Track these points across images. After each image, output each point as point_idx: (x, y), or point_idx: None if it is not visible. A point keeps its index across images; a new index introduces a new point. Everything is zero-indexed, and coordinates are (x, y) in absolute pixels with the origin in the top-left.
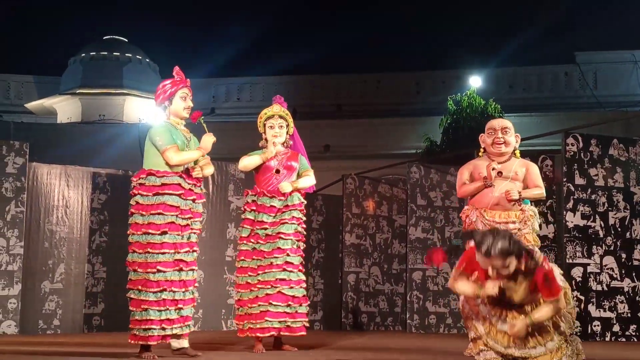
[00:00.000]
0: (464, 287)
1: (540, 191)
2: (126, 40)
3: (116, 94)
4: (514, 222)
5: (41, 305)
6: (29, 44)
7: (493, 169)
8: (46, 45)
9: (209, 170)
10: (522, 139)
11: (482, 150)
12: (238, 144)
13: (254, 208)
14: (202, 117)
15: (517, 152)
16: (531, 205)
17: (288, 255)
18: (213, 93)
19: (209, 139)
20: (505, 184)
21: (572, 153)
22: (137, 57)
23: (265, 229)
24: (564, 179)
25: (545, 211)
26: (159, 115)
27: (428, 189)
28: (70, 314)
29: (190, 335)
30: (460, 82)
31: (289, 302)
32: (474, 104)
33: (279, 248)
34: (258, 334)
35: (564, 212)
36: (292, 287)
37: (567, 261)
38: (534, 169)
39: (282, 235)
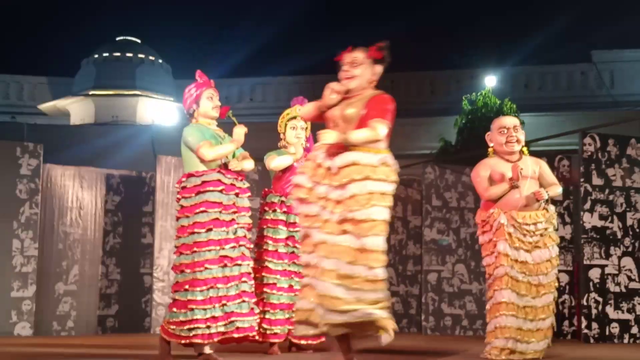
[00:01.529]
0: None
1: (560, 188)
2: (139, 42)
3: (129, 95)
4: (542, 222)
5: (55, 307)
6: (42, 46)
7: (521, 169)
8: (59, 47)
9: (249, 164)
10: (538, 139)
11: (492, 149)
12: (251, 145)
13: (285, 209)
14: (231, 111)
15: (525, 149)
16: (549, 203)
17: None
18: (226, 94)
19: (239, 130)
20: (527, 183)
21: (589, 153)
22: (150, 58)
23: (299, 230)
24: (582, 180)
25: (563, 212)
26: (171, 116)
27: (443, 189)
28: (84, 316)
29: None
30: (475, 82)
31: None
32: (489, 104)
33: None
34: (310, 341)
35: (582, 213)
36: None
37: (585, 262)
38: (546, 166)
39: None
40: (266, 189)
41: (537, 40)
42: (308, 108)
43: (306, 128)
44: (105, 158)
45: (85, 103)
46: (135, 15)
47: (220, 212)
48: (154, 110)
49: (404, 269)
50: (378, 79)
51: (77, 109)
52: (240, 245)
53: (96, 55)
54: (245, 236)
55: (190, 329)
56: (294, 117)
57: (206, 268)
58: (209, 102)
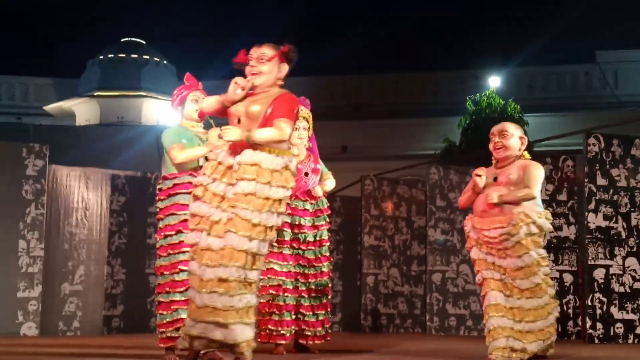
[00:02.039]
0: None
1: (525, 192)
2: (144, 43)
3: (134, 96)
4: (502, 227)
5: (61, 307)
6: (47, 47)
7: (477, 175)
8: (64, 48)
9: None
10: (542, 140)
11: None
12: None
13: (289, 211)
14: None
15: (525, 153)
16: (535, 206)
17: (330, 263)
18: None
19: (213, 133)
20: (493, 189)
21: (593, 153)
22: (155, 59)
23: (305, 233)
24: (586, 180)
25: (567, 212)
26: (175, 117)
27: (447, 189)
28: (90, 316)
29: None
30: (479, 82)
31: (328, 309)
32: (493, 104)
33: (324, 256)
34: (316, 341)
35: (586, 213)
36: (326, 295)
37: (589, 263)
38: (532, 169)
39: (324, 243)
40: None
41: (541, 40)
42: (210, 102)
43: (308, 128)
44: (110, 159)
45: (91, 104)
46: (140, 17)
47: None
48: (159, 111)
49: (409, 269)
50: (284, 77)
51: (83, 110)
52: None
53: (101, 57)
54: None
55: (177, 329)
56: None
57: (181, 270)
58: (193, 105)
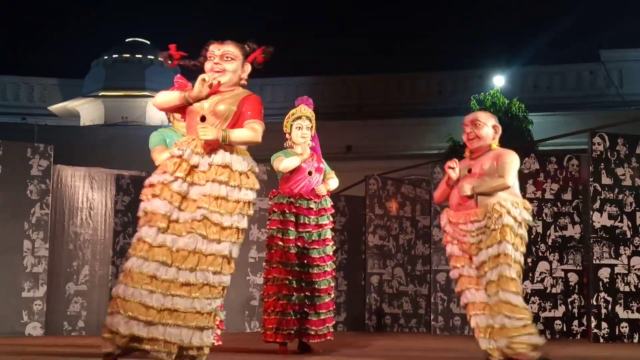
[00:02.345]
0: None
1: (499, 182)
2: (148, 43)
3: (138, 97)
4: (478, 221)
5: (66, 307)
6: (52, 48)
7: (450, 167)
8: (69, 48)
9: None
10: (547, 139)
11: None
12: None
13: (294, 210)
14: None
15: (494, 143)
16: (510, 196)
17: (334, 262)
18: None
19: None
20: (467, 181)
21: (598, 152)
22: (160, 59)
23: (309, 232)
24: (591, 179)
25: (572, 211)
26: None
27: None
28: (95, 316)
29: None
30: (483, 82)
31: (331, 308)
32: (497, 104)
33: (327, 255)
34: (319, 340)
35: (591, 213)
36: (329, 294)
37: (594, 262)
38: (505, 157)
39: (328, 242)
40: (274, 190)
41: (545, 40)
42: (170, 97)
43: (311, 127)
44: (115, 159)
45: (95, 104)
46: (145, 17)
47: None
48: (163, 112)
49: (413, 269)
50: (247, 78)
51: (87, 110)
52: None
53: (106, 57)
54: None
55: None
56: (300, 117)
57: None
58: None
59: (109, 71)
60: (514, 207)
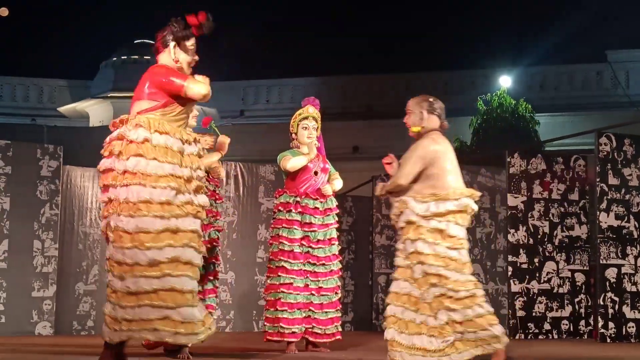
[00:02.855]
0: None
1: (392, 181)
2: None
3: None
4: (394, 218)
5: (75, 307)
6: (61, 49)
7: (387, 163)
8: (78, 50)
9: (222, 172)
10: (554, 139)
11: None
12: (267, 146)
13: (300, 210)
14: (213, 122)
15: (414, 128)
16: (424, 189)
17: (340, 262)
18: (242, 95)
19: (225, 140)
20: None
21: (605, 153)
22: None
23: (315, 231)
24: (597, 179)
25: (579, 212)
26: None
27: None
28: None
29: (223, 336)
30: (490, 82)
31: (338, 308)
32: (504, 104)
33: (333, 254)
34: (326, 339)
35: (598, 213)
36: (336, 293)
37: (601, 262)
38: (409, 150)
39: (333, 242)
40: (279, 189)
41: (552, 40)
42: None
43: (317, 128)
44: None
45: (104, 105)
46: (153, 18)
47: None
48: None
49: None
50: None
51: (96, 111)
52: (213, 246)
53: (114, 58)
54: (218, 238)
55: None
56: (306, 118)
57: None
58: None
59: (117, 72)
60: (416, 201)
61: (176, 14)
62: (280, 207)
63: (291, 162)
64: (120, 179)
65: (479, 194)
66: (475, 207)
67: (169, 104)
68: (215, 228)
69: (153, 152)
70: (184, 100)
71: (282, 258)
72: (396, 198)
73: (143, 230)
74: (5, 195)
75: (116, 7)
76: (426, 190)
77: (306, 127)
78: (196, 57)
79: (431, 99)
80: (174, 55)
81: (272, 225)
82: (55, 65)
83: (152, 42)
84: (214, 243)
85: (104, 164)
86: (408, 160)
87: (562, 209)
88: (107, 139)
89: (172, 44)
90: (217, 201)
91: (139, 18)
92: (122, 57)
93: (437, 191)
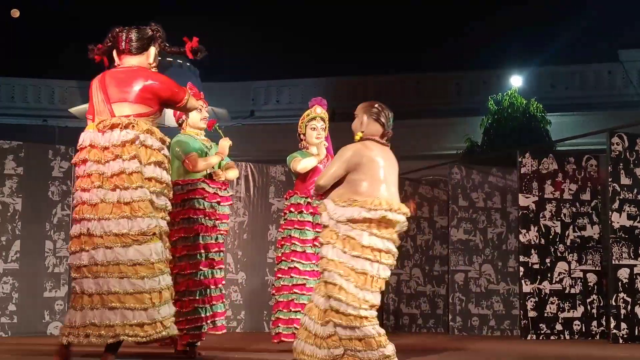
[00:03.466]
0: None
1: (315, 180)
2: None
3: None
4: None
5: None
6: (72, 49)
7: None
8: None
9: (233, 173)
10: (565, 139)
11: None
12: (278, 146)
13: (312, 210)
14: (218, 124)
15: (357, 135)
16: (346, 193)
17: None
18: (252, 95)
19: (225, 143)
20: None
21: (617, 153)
22: (178, 61)
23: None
24: (609, 179)
25: (590, 212)
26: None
27: (470, 189)
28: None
29: (234, 336)
30: (501, 82)
31: None
32: (515, 104)
33: None
34: None
35: (610, 213)
36: None
37: (613, 262)
38: (339, 151)
39: None
40: (290, 191)
41: (563, 39)
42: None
43: (325, 128)
44: None
45: None
46: (163, 20)
47: (203, 218)
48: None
49: (431, 269)
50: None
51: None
52: (220, 251)
53: None
54: (223, 242)
55: (198, 327)
56: (314, 118)
57: (199, 270)
58: (197, 114)
59: None
60: (334, 205)
61: (186, 16)
62: (291, 209)
63: (302, 163)
64: (149, 184)
65: (406, 210)
66: (400, 220)
67: (158, 111)
68: (220, 232)
69: (166, 161)
70: (164, 108)
71: (294, 259)
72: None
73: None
74: (17, 196)
75: (127, 9)
76: (347, 195)
77: (314, 128)
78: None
79: (377, 106)
80: (152, 60)
81: (283, 227)
82: (67, 66)
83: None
84: (222, 248)
85: (130, 166)
86: (333, 163)
87: (574, 209)
88: (117, 140)
89: (153, 49)
90: (219, 204)
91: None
92: None
93: (356, 197)
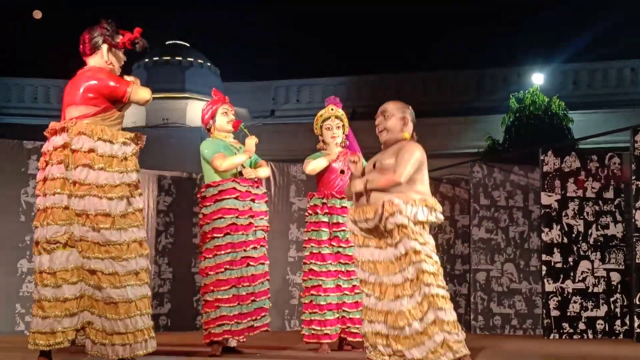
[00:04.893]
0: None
1: (389, 177)
2: (188, 45)
3: (179, 98)
4: (370, 219)
5: None
6: None
7: (352, 162)
8: None
9: (264, 172)
10: (588, 137)
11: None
12: (298, 146)
13: (327, 211)
14: (243, 124)
15: (406, 134)
16: (411, 193)
17: None
18: (273, 95)
19: (251, 141)
20: (368, 176)
21: None
22: (199, 61)
23: (344, 230)
24: (633, 177)
25: (614, 210)
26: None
27: (491, 188)
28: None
29: (255, 335)
30: (523, 80)
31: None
32: (537, 102)
33: None
34: (357, 340)
35: (634, 211)
36: None
37: (637, 261)
38: (404, 151)
39: None
40: (310, 192)
41: (585, 36)
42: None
43: (342, 126)
44: (156, 160)
45: (137, 106)
46: (184, 20)
47: (237, 217)
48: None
49: (452, 268)
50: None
51: (129, 112)
52: (261, 246)
53: (146, 59)
54: (264, 238)
55: (220, 325)
56: (328, 118)
57: (226, 269)
58: (224, 117)
59: (150, 73)
60: (411, 205)
61: (206, 15)
62: (310, 211)
63: (310, 165)
64: (72, 189)
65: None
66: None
67: (108, 109)
68: (259, 228)
69: (100, 161)
70: (123, 105)
71: (311, 261)
72: (377, 199)
73: (112, 243)
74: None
75: (147, 10)
76: (410, 194)
77: (329, 128)
78: (125, 58)
79: (410, 108)
80: (107, 58)
81: (305, 229)
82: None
83: (183, 43)
84: (262, 243)
85: (53, 171)
86: (407, 161)
87: (597, 208)
88: (48, 147)
89: (104, 46)
90: (254, 201)
91: (170, 20)
92: (154, 59)
93: (417, 197)
